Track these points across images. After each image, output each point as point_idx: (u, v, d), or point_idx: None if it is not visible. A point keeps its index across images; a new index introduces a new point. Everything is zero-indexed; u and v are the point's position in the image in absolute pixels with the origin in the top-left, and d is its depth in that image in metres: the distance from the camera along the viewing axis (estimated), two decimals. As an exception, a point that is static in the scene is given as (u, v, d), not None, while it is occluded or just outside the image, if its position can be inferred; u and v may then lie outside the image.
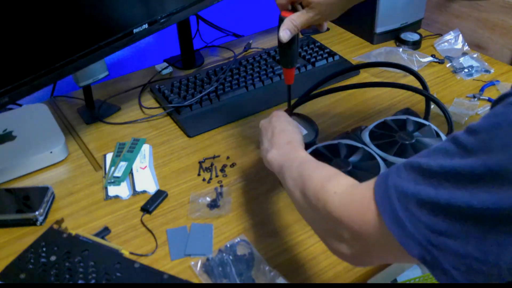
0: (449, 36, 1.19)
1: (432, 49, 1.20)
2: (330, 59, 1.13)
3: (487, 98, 1.01)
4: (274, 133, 0.69)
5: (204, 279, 0.67)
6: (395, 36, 1.23)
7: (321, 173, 0.54)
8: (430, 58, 1.12)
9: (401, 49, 1.13)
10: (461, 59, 1.13)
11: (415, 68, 1.10)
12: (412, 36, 1.20)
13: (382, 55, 1.13)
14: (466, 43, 1.18)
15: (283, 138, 0.67)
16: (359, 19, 1.24)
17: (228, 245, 0.72)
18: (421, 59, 1.11)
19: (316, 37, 1.26)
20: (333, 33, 1.30)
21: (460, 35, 1.18)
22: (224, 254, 0.70)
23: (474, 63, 1.12)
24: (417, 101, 1.01)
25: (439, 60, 1.14)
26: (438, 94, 1.03)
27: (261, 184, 0.83)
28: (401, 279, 1.37)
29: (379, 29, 1.20)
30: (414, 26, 1.25)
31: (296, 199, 0.56)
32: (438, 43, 1.20)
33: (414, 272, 1.40)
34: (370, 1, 1.17)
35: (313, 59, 1.12)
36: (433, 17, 1.27)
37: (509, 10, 1.14)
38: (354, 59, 1.16)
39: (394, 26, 1.22)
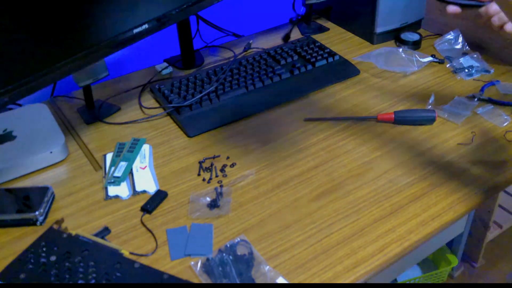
0: (449, 36, 1.19)
1: (432, 49, 1.20)
2: (330, 59, 1.13)
3: (487, 98, 1.01)
4: None
5: (204, 279, 0.67)
6: (395, 36, 1.23)
7: None
8: (430, 58, 1.12)
9: (401, 49, 1.13)
10: (461, 59, 1.13)
11: (415, 68, 1.10)
12: (412, 36, 1.20)
13: (382, 55, 1.13)
14: (466, 43, 1.18)
15: None
16: (359, 19, 1.24)
17: (228, 245, 0.72)
18: (421, 59, 1.11)
19: (316, 37, 1.26)
20: (333, 33, 1.30)
21: (460, 35, 1.18)
22: (224, 254, 0.70)
23: (474, 63, 1.12)
24: (417, 101, 1.02)
25: (439, 60, 1.14)
26: (438, 94, 1.03)
27: (261, 184, 0.83)
28: (401, 279, 1.37)
29: (379, 29, 1.20)
30: (414, 26, 1.25)
31: None
32: (438, 43, 1.20)
33: (414, 272, 1.40)
34: (370, 1, 1.17)
35: (313, 59, 1.12)
36: (433, 17, 1.27)
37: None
38: (354, 59, 1.16)
39: (394, 26, 1.22)
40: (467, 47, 1.18)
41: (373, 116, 0.97)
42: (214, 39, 1.29)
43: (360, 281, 0.68)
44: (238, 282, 0.66)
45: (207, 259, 0.69)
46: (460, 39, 1.18)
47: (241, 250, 0.71)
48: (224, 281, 0.66)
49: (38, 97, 1.08)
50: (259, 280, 0.67)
